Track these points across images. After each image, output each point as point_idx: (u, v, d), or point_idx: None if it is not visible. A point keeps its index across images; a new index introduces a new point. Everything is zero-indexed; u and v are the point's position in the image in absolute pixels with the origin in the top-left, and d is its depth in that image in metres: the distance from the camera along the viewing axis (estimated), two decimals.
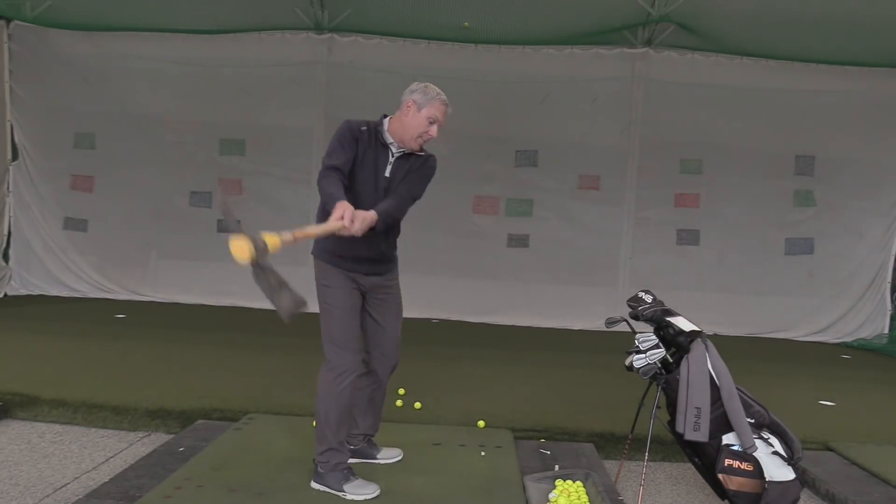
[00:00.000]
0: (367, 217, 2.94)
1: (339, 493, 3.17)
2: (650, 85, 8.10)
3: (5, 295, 8.05)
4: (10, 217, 8.27)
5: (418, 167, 3.29)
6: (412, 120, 3.17)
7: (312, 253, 3.33)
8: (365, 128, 3.22)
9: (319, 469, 3.24)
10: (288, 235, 2.83)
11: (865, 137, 8.08)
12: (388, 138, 3.24)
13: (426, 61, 7.94)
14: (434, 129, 3.20)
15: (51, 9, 7.33)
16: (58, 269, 8.28)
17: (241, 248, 2.75)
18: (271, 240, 2.79)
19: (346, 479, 3.20)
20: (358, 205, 2.99)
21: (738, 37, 7.20)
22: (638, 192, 8.24)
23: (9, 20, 7.93)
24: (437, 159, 3.36)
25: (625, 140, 8.19)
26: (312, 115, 8.17)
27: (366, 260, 3.26)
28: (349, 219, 2.88)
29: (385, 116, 3.30)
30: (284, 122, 8.21)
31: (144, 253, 8.36)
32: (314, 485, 3.25)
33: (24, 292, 8.17)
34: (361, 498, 3.16)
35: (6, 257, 8.24)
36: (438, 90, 3.20)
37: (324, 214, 3.08)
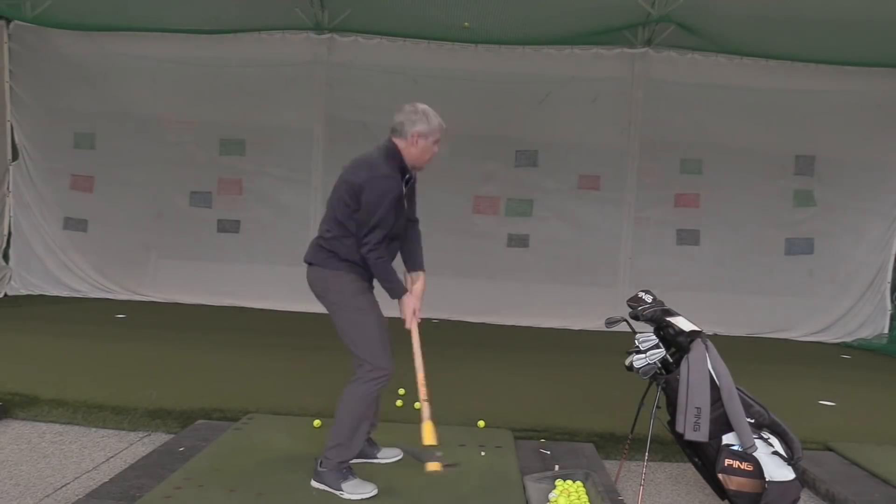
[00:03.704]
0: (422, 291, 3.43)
1: (337, 492, 3.18)
2: (650, 85, 8.09)
3: (5, 295, 8.04)
4: (10, 217, 8.27)
5: (413, 184, 3.39)
6: (422, 150, 3.26)
7: (316, 263, 3.31)
8: (406, 176, 3.26)
9: (320, 467, 3.24)
10: (423, 396, 3.24)
11: (865, 137, 8.07)
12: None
13: (426, 61, 7.94)
14: (437, 147, 3.32)
15: (51, 9, 7.32)
16: (58, 269, 8.27)
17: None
18: (429, 434, 3.18)
19: (345, 478, 3.21)
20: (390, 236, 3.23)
21: (738, 37, 7.19)
22: (638, 192, 8.23)
23: (9, 20, 7.93)
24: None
25: (625, 140, 8.18)
26: (312, 115, 8.17)
27: None
28: (418, 316, 3.35)
29: (392, 140, 3.27)
30: (284, 122, 8.20)
31: (144, 253, 8.35)
32: (314, 483, 3.25)
33: (24, 292, 8.17)
34: (358, 497, 3.16)
35: (6, 257, 8.24)
36: (433, 113, 3.27)
37: (363, 268, 3.25)
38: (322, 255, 3.29)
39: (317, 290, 3.34)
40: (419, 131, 3.20)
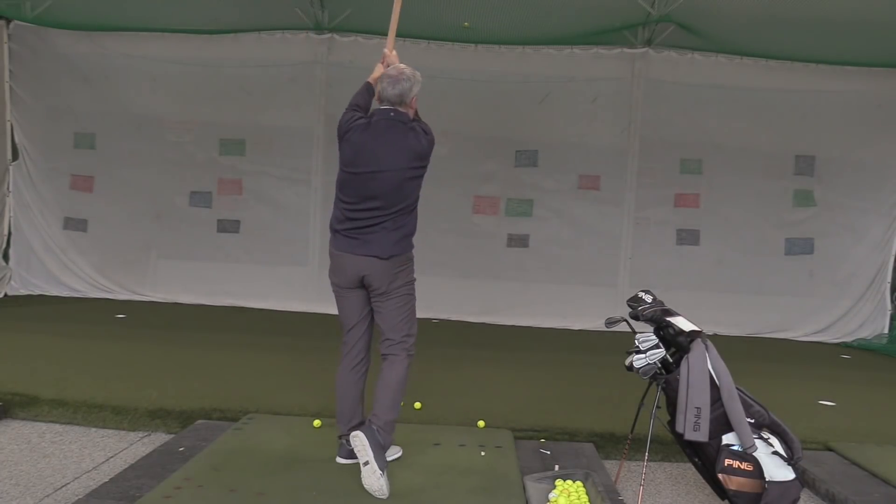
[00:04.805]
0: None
1: (379, 466, 3.14)
2: (650, 85, 8.08)
3: (5, 295, 8.04)
4: (10, 217, 8.26)
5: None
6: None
7: (396, 253, 3.40)
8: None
9: (380, 437, 3.23)
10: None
11: (865, 137, 8.07)
12: None
13: (426, 61, 7.89)
14: None
15: (51, 9, 7.32)
16: (58, 269, 8.27)
17: None
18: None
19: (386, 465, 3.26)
20: None
21: (738, 37, 7.19)
22: (638, 192, 8.23)
23: (9, 20, 7.92)
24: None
25: (625, 140, 8.17)
26: (312, 115, 8.17)
27: None
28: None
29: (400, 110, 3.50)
30: (284, 122, 8.20)
31: (144, 253, 8.35)
32: (361, 436, 3.18)
33: (24, 292, 8.17)
34: (387, 484, 3.15)
35: (6, 257, 8.24)
36: (411, 71, 3.59)
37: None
38: (404, 244, 3.44)
39: (387, 278, 3.39)
40: (416, 93, 3.54)
